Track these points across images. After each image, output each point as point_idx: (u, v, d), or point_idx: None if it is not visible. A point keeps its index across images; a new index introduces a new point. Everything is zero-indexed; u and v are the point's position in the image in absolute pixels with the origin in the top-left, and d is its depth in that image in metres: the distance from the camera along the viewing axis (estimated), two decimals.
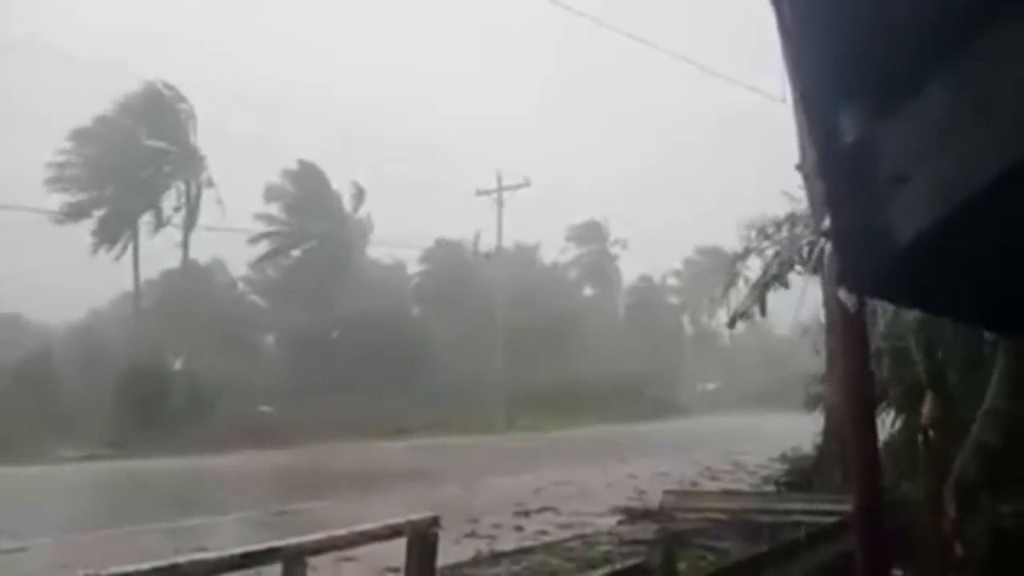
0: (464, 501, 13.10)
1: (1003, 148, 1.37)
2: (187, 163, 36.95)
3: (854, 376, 2.77)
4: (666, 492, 10.53)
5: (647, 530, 8.61)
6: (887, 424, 8.30)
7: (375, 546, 4.21)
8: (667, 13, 49.55)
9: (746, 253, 13.85)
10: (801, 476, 11.55)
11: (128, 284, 37.50)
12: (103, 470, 20.74)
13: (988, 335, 4.89)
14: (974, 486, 4.52)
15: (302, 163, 40.41)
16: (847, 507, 4.69)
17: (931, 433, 5.64)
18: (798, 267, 11.86)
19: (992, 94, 1.39)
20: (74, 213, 35.71)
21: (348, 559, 6.30)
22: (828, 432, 11.58)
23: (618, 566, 6.36)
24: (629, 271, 57.26)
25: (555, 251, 53.96)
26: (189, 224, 37.15)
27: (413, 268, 46.41)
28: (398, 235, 42.06)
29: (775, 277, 12.03)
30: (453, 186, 50.48)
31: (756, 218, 13.61)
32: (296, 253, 41.03)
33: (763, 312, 12.09)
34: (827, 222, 2.86)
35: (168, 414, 30.45)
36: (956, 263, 1.66)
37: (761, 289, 12.40)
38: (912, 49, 1.50)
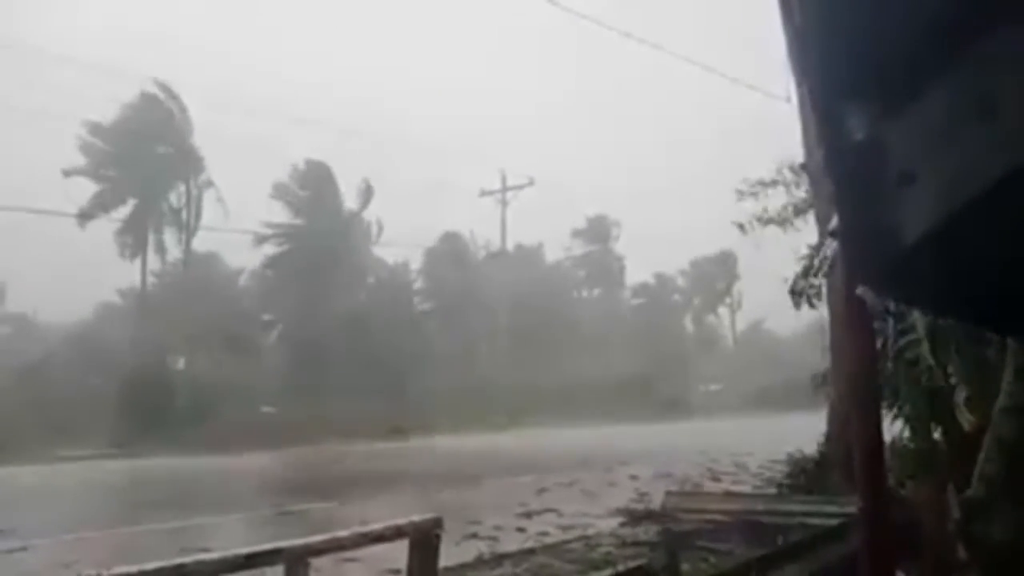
0: (466, 502, 13.09)
1: (1010, 148, 1.36)
2: (187, 164, 37.02)
3: (860, 377, 2.75)
4: (668, 493, 10.51)
5: (649, 531, 8.59)
6: (891, 425, 8.28)
7: (377, 547, 4.21)
8: (671, 14, 49.39)
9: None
10: (804, 477, 11.51)
11: (130, 284, 37.59)
12: (107, 470, 20.76)
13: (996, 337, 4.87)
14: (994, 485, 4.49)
15: (309, 162, 40.40)
16: (851, 508, 4.68)
17: (937, 436, 5.63)
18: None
19: (999, 93, 1.38)
20: (81, 215, 35.81)
21: (351, 560, 6.29)
22: (832, 433, 11.55)
23: (620, 568, 6.34)
24: (634, 271, 57.28)
25: (560, 250, 54.03)
26: (191, 225, 37.23)
27: (417, 267, 46.51)
28: (402, 235, 42.16)
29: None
30: (458, 186, 50.43)
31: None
32: (300, 253, 41.02)
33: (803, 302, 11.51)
34: (834, 221, 2.85)
35: (171, 414, 30.52)
36: (964, 263, 1.65)
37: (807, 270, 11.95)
38: (920, 47, 1.49)
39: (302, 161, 40.33)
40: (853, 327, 2.80)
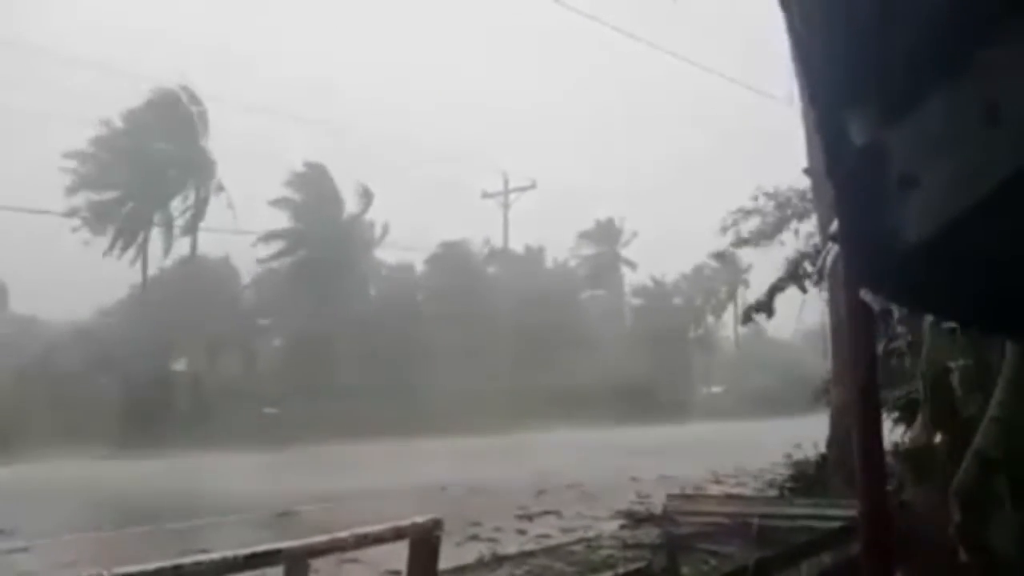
0: (466, 504, 13.09)
1: (1012, 152, 1.36)
2: (197, 166, 37.08)
3: (861, 380, 2.75)
4: (669, 495, 10.50)
5: (650, 534, 8.58)
6: (894, 428, 8.28)
7: (379, 548, 4.20)
8: (676, 17, 49.49)
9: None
10: (806, 480, 11.52)
11: (133, 286, 37.62)
12: (109, 470, 20.79)
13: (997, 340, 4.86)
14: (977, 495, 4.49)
15: (309, 165, 40.44)
16: (851, 512, 4.67)
17: (937, 439, 5.61)
18: (807, 268, 11.89)
19: (1002, 98, 1.38)
20: (89, 217, 35.88)
21: (351, 561, 6.30)
22: (833, 436, 11.55)
23: (620, 570, 6.34)
24: (637, 273, 57.27)
25: (564, 252, 54.02)
26: (196, 226, 37.29)
27: (420, 269, 46.53)
28: (406, 236, 42.21)
29: (790, 277, 12.12)
30: (463, 187, 50.47)
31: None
32: (303, 254, 41.04)
33: (770, 314, 12.35)
34: (835, 225, 2.85)
35: (173, 415, 30.57)
36: (965, 267, 1.65)
37: (772, 290, 12.49)
38: (922, 52, 1.49)
39: (301, 164, 40.42)
40: (854, 331, 2.79)
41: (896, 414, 7.94)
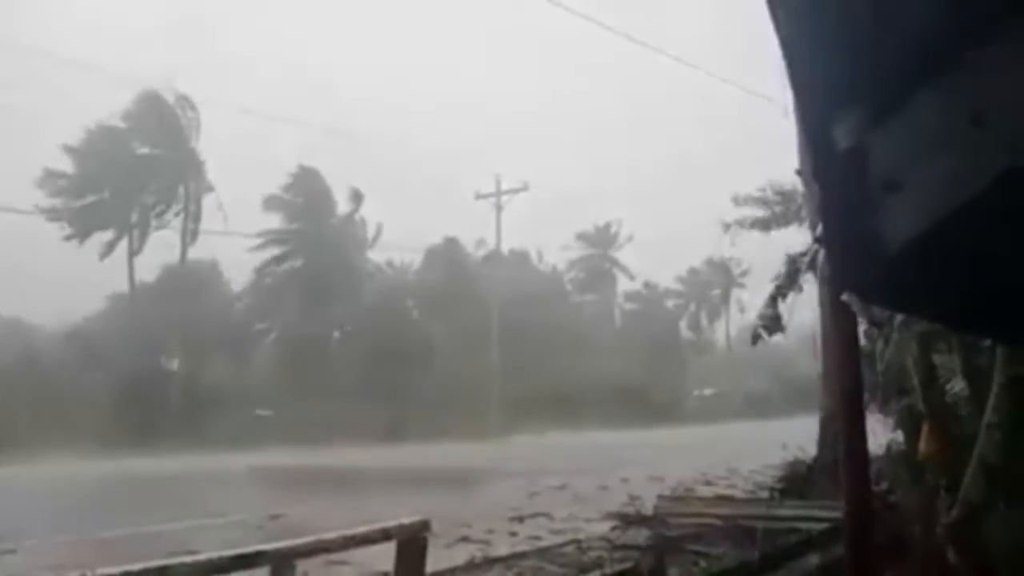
0: (457, 506, 13.07)
1: (995, 156, 1.37)
2: (187, 168, 36.96)
3: (845, 384, 2.76)
4: (660, 497, 10.51)
5: (640, 536, 8.59)
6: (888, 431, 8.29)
7: (370, 549, 4.19)
8: (673, 19, 49.57)
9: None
10: (796, 482, 11.53)
11: (124, 287, 37.47)
12: (100, 472, 20.68)
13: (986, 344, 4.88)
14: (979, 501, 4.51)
15: (302, 168, 40.35)
16: (839, 513, 4.69)
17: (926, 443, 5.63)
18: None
19: (984, 103, 1.39)
20: (77, 220, 35.73)
21: (340, 563, 6.29)
22: (824, 438, 11.58)
23: (607, 570, 6.34)
24: (631, 277, 57.30)
25: (557, 255, 54.01)
26: (188, 228, 37.17)
27: (413, 271, 46.47)
28: (400, 238, 42.16)
29: (790, 281, 11.89)
30: (457, 189, 50.49)
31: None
32: (295, 256, 40.92)
33: (780, 329, 11.61)
34: (820, 228, 2.87)
35: (165, 417, 30.48)
36: (948, 270, 1.66)
37: (774, 298, 12.24)
38: (906, 57, 1.50)
39: (295, 166, 40.31)
40: (838, 334, 2.81)
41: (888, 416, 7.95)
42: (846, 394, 2.77)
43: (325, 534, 3.52)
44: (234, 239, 38.06)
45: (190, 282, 37.41)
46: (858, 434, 2.77)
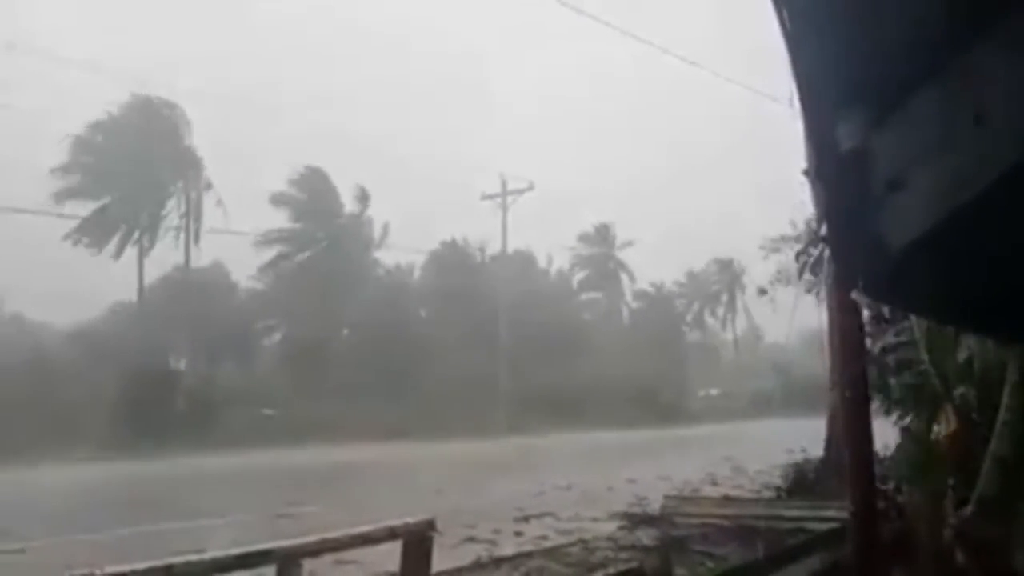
0: (463, 505, 13.06)
1: (998, 155, 1.38)
2: (185, 166, 37.00)
3: (850, 383, 2.76)
4: (666, 497, 10.52)
5: (647, 535, 8.59)
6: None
7: (374, 549, 4.20)
8: (678, 17, 49.50)
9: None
10: (803, 482, 11.52)
11: (132, 287, 37.56)
12: (106, 472, 20.74)
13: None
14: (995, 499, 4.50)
15: (308, 168, 40.37)
16: (846, 513, 4.68)
17: (938, 441, 5.62)
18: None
19: (986, 102, 1.39)
20: (83, 223, 35.84)
21: (346, 562, 6.29)
22: (831, 438, 11.57)
23: (611, 570, 6.35)
24: (635, 277, 57.27)
25: (561, 255, 53.95)
26: (191, 227, 37.22)
27: (418, 272, 46.53)
28: (404, 238, 42.16)
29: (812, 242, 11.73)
30: (463, 189, 50.38)
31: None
32: (301, 256, 40.95)
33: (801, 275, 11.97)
34: (824, 227, 2.87)
35: (173, 416, 30.54)
36: (952, 269, 1.66)
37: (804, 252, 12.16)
38: (908, 57, 1.51)
39: (302, 166, 40.30)
40: (843, 333, 2.81)
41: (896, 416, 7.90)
42: (851, 393, 2.77)
43: (331, 533, 3.52)
44: (236, 237, 38.11)
45: (195, 281, 37.49)
46: (863, 433, 2.77)
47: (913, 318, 5.58)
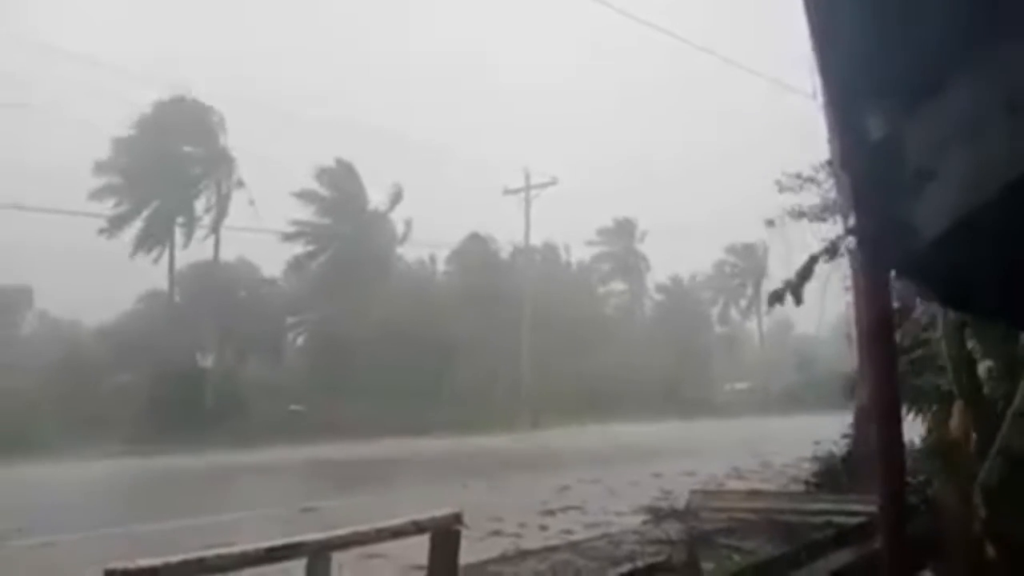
0: (488, 499, 13.11)
1: None
2: (218, 165, 37.28)
3: (881, 376, 2.73)
4: (692, 491, 10.49)
5: (673, 529, 8.57)
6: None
7: (403, 543, 4.22)
8: (697, 6, 49.14)
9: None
10: (831, 476, 11.43)
11: (158, 285, 37.93)
12: (136, 467, 21.02)
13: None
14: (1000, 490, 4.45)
15: (337, 162, 40.43)
16: (874, 507, 4.64)
17: (962, 434, 5.57)
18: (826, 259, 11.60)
19: (1016, 91, 1.37)
20: (118, 220, 36.25)
21: (374, 556, 6.33)
22: (858, 432, 11.47)
23: (640, 564, 6.34)
24: (659, 269, 57.01)
25: (581, 249, 53.78)
26: (219, 225, 37.51)
27: (441, 267, 46.61)
28: (430, 234, 42.24)
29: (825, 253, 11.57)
30: (486, 183, 50.32)
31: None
32: (327, 253, 41.08)
33: (797, 301, 11.69)
34: (853, 218, 2.84)
35: (201, 412, 30.87)
36: (979, 259, 1.64)
37: (802, 274, 12.10)
38: (938, 47, 1.49)
39: (331, 160, 40.39)
40: (872, 325, 2.78)
41: (920, 408, 7.83)
42: (880, 386, 2.74)
43: (359, 527, 3.55)
44: (265, 235, 38.38)
45: (224, 278, 37.79)
46: (893, 426, 2.75)
47: (936, 310, 5.53)
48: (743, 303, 62.00)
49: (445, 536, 3.81)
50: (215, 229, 37.53)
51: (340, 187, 40.73)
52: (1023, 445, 4.24)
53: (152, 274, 37.42)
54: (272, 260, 40.86)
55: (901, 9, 1.58)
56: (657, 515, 10.32)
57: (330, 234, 40.76)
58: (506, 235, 45.04)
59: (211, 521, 11.22)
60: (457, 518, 3.87)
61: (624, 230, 55.71)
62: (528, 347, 39.86)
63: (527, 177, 41.46)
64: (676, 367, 47.26)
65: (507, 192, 41.88)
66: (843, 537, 6.61)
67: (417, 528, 3.79)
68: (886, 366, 2.82)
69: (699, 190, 62.69)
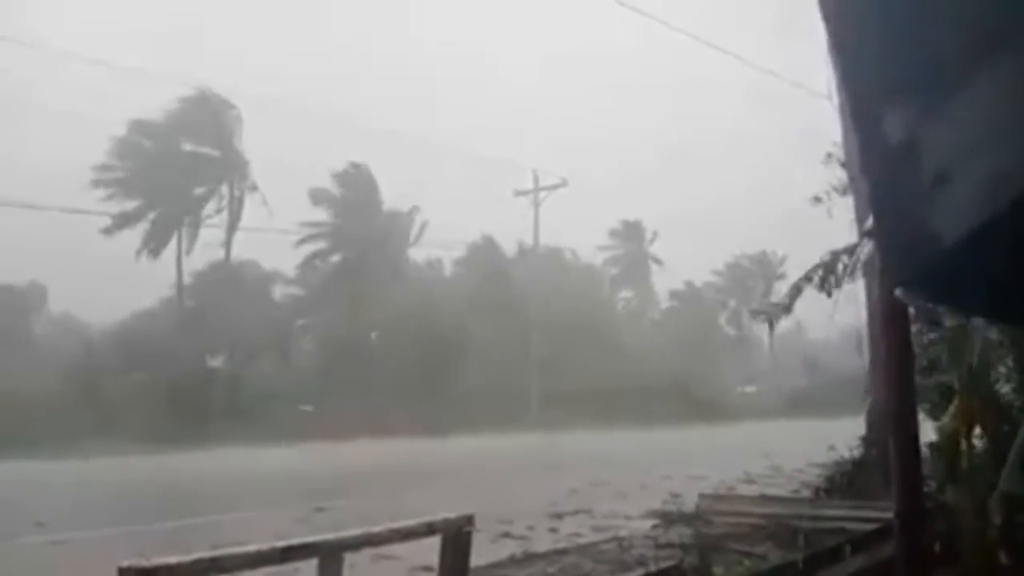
0: (498, 502, 13.09)
1: None
2: (231, 167, 37.41)
3: (895, 381, 2.71)
4: (702, 495, 10.45)
5: (682, 534, 8.54)
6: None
7: (413, 545, 4.23)
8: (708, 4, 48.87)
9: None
10: (842, 482, 11.38)
11: (170, 285, 38.11)
12: (149, 466, 21.09)
13: None
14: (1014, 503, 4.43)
15: (350, 163, 40.52)
16: (887, 514, 4.62)
17: (973, 440, 5.55)
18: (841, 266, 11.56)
19: None
20: (122, 219, 36.40)
21: (386, 557, 6.34)
22: (870, 437, 11.42)
23: (650, 569, 6.32)
24: (669, 271, 56.81)
25: (593, 250, 53.70)
26: (231, 226, 37.64)
27: (450, 268, 46.67)
28: (439, 235, 42.24)
29: (826, 275, 11.58)
30: (495, 185, 50.29)
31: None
32: (338, 253, 41.15)
33: (788, 311, 11.74)
34: (870, 222, 2.83)
35: (211, 412, 30.98)
36: (1000, 266, 1.63)
37: (794, 291, 12.21)
38: (958, 48, 1.48)
39: (344, 162, 40.47)
40: (889, 331, 2.76)
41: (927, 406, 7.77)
42: (896, 391, 2.73)
43: (371, 528, 3.55)
44: (277, 235, 38.48)
45: (234, 279, 37.93)
46: (908, 432, 2.73)
47: (946, 317, 5.50)
48: (754, 306, 61.68)
49: (456, 538, 3.81)
50: (228, 230, 37.68)
51: (353, 188, 40.78)
52: None
53: (163, 275, 37.62)
54: (284, 261, 40.98)
55: (919, 10, 1.56)
56: (666, 519, 10.29)
57: (341, 235, 40.82)
58: (518, 237, 45.11)
59: (223, 519, 11.27)
60: (469, 520, 3.87)
61: (633, 232, 55.61)
62: (539, 349, 39.85)
63: (535, 178, 41.51)
64: (686, 370, 47.07)
65: (517, 193, 41.94)
66: (856, 543, 6.57)
67: (429, 530, 3.79)
68: (901, 370, 2.81)
69: (712, 184, 62.22)
